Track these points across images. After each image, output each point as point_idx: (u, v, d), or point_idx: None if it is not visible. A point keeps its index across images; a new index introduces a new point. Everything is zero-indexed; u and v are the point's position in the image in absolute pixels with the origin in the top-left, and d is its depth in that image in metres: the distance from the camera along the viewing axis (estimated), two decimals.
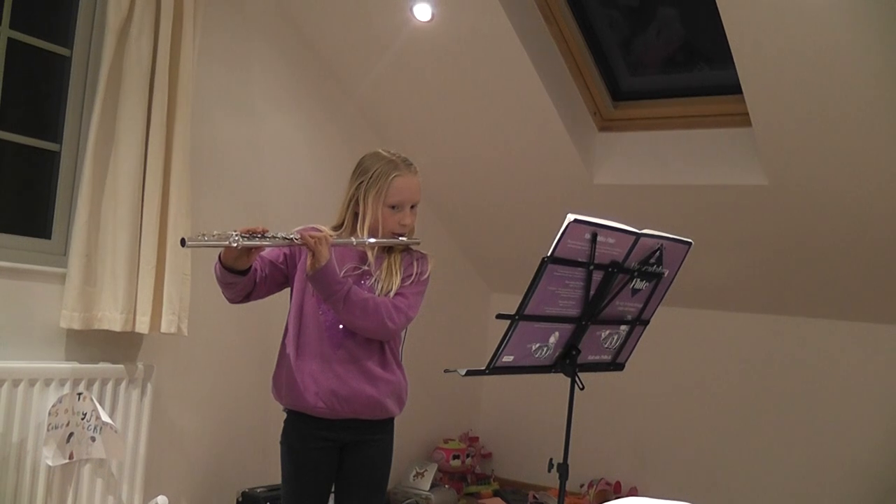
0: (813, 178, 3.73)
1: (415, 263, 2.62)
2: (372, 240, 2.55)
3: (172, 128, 3.31)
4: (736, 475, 4.50)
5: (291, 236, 2.41)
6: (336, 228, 2.62)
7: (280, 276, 2.62)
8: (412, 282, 2.59)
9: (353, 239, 2.54)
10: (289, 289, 2.65)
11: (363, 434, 2.59)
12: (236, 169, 3.84)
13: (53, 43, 3.28)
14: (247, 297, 2.56)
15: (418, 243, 2.65)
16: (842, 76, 3.27)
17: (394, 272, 2.58)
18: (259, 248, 2.42)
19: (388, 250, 2.61)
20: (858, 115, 3.38)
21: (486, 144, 4.43)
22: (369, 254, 2.59)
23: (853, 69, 3.23)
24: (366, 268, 2.58)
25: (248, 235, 2.33)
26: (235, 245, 2.31)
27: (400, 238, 2.59)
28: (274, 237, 2.38)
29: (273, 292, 2.64)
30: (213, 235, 2.30)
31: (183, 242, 2.28)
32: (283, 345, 2.61)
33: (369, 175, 2.56)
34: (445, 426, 5.12)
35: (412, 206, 2.60)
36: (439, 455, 4.90)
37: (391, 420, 2.66)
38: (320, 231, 2.47)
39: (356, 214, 2.60)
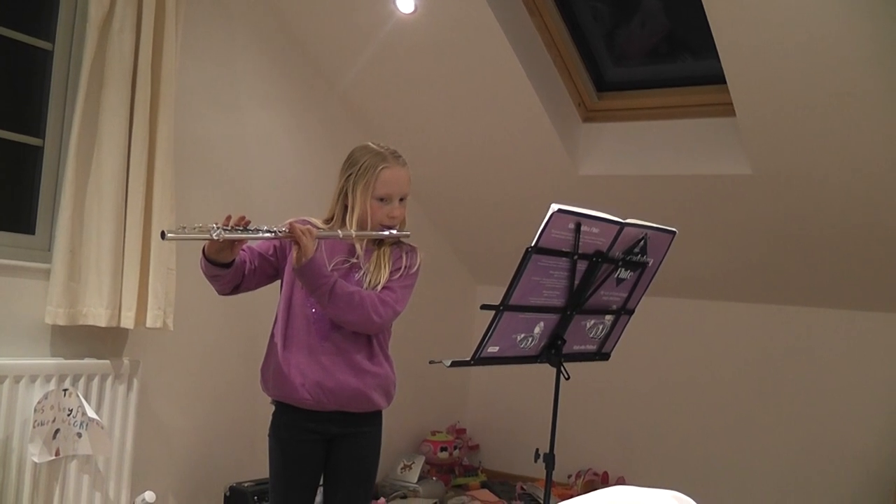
0: (797, 167, 3.75)
1: (404, 257, 2.62)
2: (357, 232, 2.54)
3: (156, 122, 3.30)
4: (725, 465, 4.52)
5: (275, 229, 2.40)
6: (327, 222, 2.61)
7: (270, 269, 2.61)
8: (401, 275, 2.59)
9: (339, 232, 2.53)
10: (279, 280, 2.64)
11: (350, 426, 2.59)
12: (220, 163, 3.82)
13: (35, 37, 3.25)
14: (235, 289, 2.56)
15: (408, 236, 2.64)
16: (825, 65, 3.28)
17: (382, 265, 2.57)
18: (242, 241, 2.41)
19: (377, 243, 2.61)
20: (842, 103, 3.39)
21: (470, 136, 4.42)
22: (358, 247, 2.59)
23: (837, 58, 3.24)
24: (354, 260, 2.58)
25: (229, 228, 2.32)
26: (217, 238, 2.30)
27: (388, 231, 2.58)
28: (257, 230, 2.36)
29: (263, 284, 2.64)
30: (195, 228, 2.29)
31: (163, 235, 2.27)
32: (272, 335, 2.61)
33: (357, 167, 2.56)
34: (433, 418, 5.12)
35: (401, 199, 2.60)
36: (427, 447, 4.90)
37: (379, 413, 2.66)
38: (308, 223, 2.46)
39: (346, 207, 2.59)
